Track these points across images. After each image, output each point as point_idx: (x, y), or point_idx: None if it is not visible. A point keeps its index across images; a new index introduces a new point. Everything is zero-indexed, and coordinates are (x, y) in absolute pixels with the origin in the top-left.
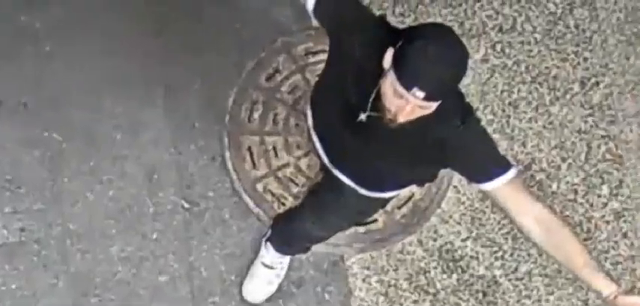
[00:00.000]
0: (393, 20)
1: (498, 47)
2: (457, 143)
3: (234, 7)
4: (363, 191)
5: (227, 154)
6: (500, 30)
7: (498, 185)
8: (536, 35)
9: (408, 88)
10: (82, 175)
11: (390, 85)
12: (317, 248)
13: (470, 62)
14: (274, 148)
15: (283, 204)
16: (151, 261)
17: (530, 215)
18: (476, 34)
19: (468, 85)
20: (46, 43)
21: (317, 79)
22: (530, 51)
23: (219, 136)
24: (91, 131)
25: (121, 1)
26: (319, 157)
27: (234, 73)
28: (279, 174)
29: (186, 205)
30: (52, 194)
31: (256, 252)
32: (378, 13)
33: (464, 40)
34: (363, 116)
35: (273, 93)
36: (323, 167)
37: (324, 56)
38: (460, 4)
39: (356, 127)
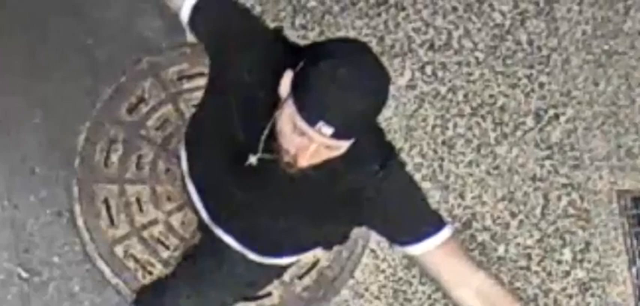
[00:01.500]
0: (292, 35)
1: (429, 69)
2: (375, 194)
3: (87, 17)
4: (253, 256)
5: (77, 209)
6: (432, 47)
7: (428, 249)
8: (478, 54)
9: (312, 122)
10: None
11: (288, 118)
12: None
13: (392, 89)
14: (138, 201)
15: (150, 273)
16: None
17: (470, 288)
18: (400, 53)
19: (389, 118)
20: None
21: (194, 111)
22: (470, 74)
23: (66, 185)
24: None
25: None
26: (196, 212)
27: (87, 102)
28: (145, 234)
29: (24, 275)
30: None
31: None
32: (273, 25)
33: (384, 60)
34: (253, 159)
35: (136, 129)
36: (201, 226)
37: (202, 82)
38: (379, 14)
39: (244, 174)
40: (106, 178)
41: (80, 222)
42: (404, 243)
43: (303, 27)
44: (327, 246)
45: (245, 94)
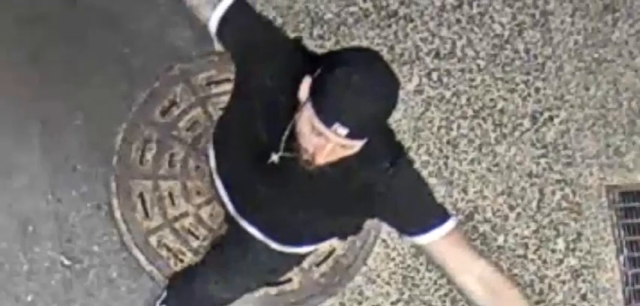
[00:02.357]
0: (310, 44)
1: (435, 76)
2: (386, 189)
3: (123, 29)
4: (274, 246)
5: (115, 202)
6: (437, 55)
7: (434, 239)
8: (480, 62)
9: (328, 124)
10: None
11: (307, 120)
12: None
13: (401, 93)
14: (170, 195)
15: (181, 261)
16: None
17: (472, 274)
18: (408, 61)
19: (399, 120)
20: None
21: (221, 113)
22: (473, 80)
23: (105, 181)
24: None
25: None
26: (223, 205)
27: (124, 106)
28: (177, 225)
29: (67, 262)
30: None
31: None
32: (293, 35)
33: (394, 67)
34: (275, 157)
35: (168, 130)
36: (228, 218)
37: (229, 87)
38: (389, 26)
39: (267, 171)
40: (141, 175)
41: (118, 214)
42: (412, 233)
43: (321, 37)
44: (342, 236)
45: (268, 99)
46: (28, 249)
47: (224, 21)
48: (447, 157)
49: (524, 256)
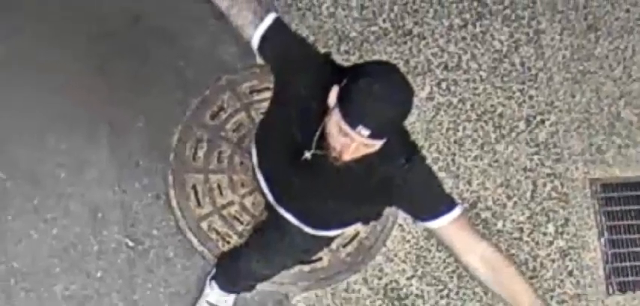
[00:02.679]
0: (338, 58)
1: (444, 85)
2: (402, 182)
3: (179, 45)
4: (308, 230)
5: (171, 193)
6: (446, 68)
7: (443, 224)
8: (482, 73)
9: (353, 126)
10: (25, 214)
11: (335, 123)
12: (262, 287)
13: (415, 100)
14: (219, 187)
15: (228, 242)
16: (95, 299)
17: (476, 254)
18: (421, 72)
19: (413, 123)
20: None
21: (262, 117)
22: (476, 89)
23: (163, 175)
24: (35, 170)
25: (63, 38)
26: (264, 195)
27: (179, 111)
28: (224, 212)
29: (131, 244)
30: None
31: (201, 290)
32: (323, 51)
33: (409, 77)
34: (307, 154)
35: (217, 131)
36: (268, 206)
37: (269, 94)
38: (405, 42)
39: (301, 166)
40: (194, 169)
41: (174, 203)
42: (424, 219)
43: (346, 52)
44: (365, 222)
45: (302, 105)
46: (98, 232)
47: (264, 39)
48: (454, 154)
49: (520, 239)
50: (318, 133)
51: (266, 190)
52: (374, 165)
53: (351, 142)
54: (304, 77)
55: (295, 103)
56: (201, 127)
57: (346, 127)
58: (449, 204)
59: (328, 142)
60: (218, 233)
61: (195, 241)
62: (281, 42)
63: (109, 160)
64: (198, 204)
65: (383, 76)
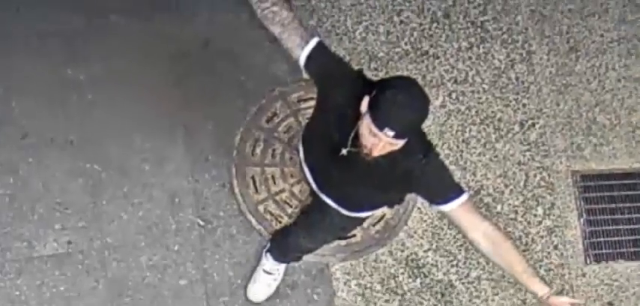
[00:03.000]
0: (368, 73)
1: (453, 95)
2: (420, 173)
3: (240, 63)
4: (344, 212)
5: (234, 182)
6: (455, 81)
7: (454, 207)
8: (484, 86)
9: (381, 128)
10: (117, 199)
11: (366, 126)
12: (307, 258)
13: (431, 107)
14: (273, 177)
15: (280, 222)
16: (172, 268)
17: (479, 231)
18: (435, 85)
19: (428, 126)
20: (88, 92)
21: (307, 121)
22: (479, 98)
23: (228, 168)
24: (125, 163)
25: (149, 59)
26: (309, 184)
27: (240, 116)
28: (277, 198)
29: (202, 223)
30: (93, 214)
31: (258, 261)
32: (356, 67)
33: (426, 89)
34: (344, 151)
35: (271, 132)
36: (312, 192)
37: (313, 103)
38: (422, 61)
39: (339, 160)
40: (253, 163)
41: (236, 190)
42: (438, 203)
43: (375, 69)
44: (391, 205)
45: (339, 111)
46: (175, 214)
47: (309, 58)
48: (462, 151)
49: (515, 219)
50: (352, 134)
51: (310, 180)
52: (398, 160)
53: (379, 141)
54: (341, 89)
55: (334, 110)
56: (259, 129)
57: (375, 129)
58: (458, 191)
59: (361, 141)
60: (272, 215)
61: (253, 221)
62: (323, 61)
63: (184, 156)
64: (256, 191)
65: (405, 88)
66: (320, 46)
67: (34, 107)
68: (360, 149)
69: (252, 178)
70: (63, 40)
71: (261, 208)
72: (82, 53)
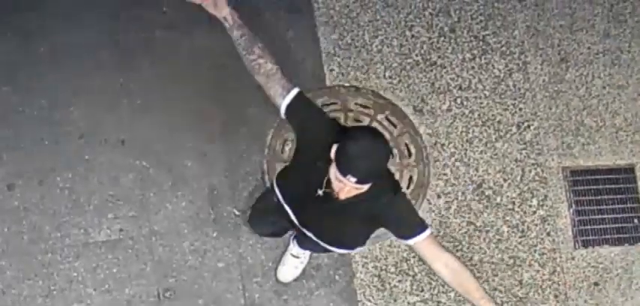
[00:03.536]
0: (383, 83)
1: (459, 101)
2: (388, 212)
3: None
4: (322, 244)
5: (266, 177)
6: (460, 88)
7: (418, 241)
8: (486, 92)
9: (344, 174)
10: (163, 192)
11: (333, 171)
12: None
13: (438, 111)
14: None
15: None
16: (211, 252)
17: (441, 262)
18: (442, 91)
19: (436, 127)
20: (138, 98)
21: (287, 164)
22: (481, 103)
23: (260, 164)
24: (169, 160)
25: (190, 68)
26: (291, 220)
27: (271, 119)
28: None
29: (237, 213)
30: (141, 205)
31: (287, 246)
32: (332, 116)
33: (434, 96)
34: (320, 192)
35: None
36: (294, 226)
37: (335, 107)
38: (431, 70)
39: (316, 200)
40: (282, 160)
41: (268, 184)
42: (405, 238)
43: (390, 78)
44: (363, 242)
45: (315, 156)
46: (214, 205)
47: (289, 108)
48: (466, 150)
49: (513, 209)
50: (326, 177)
51: (292, 216)
52: (367, 200)
53: (344, 185)
54: (317, 136)
55: (311, 154)
56: (288, 131)
57: (339, 175)
58: (422, 227)
59: (332, 184)
60: None
61: None
62: (301, 110)
63: (222, 154)
64: None
65: (364, 139)
66: (299, 97)
67: (90, 111)
68: (332, 191)
69: None
70: (115, 53)
71: None
72: (131, 64)
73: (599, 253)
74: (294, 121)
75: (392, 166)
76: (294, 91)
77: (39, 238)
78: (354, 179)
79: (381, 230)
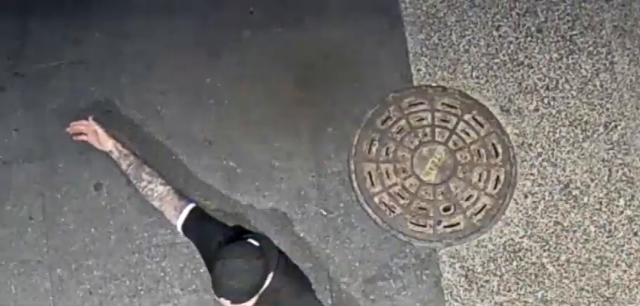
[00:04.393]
0: (470, 82)
1: (546, 100)
2: None
3: (357, 73)
4: None
5: (353, 176)
6: (547, 88)
7: None
8: (573, 92)
9: (218, 296)
10: (250, 192)
11: None
12: (416, 243)
13: (524, 111)
14: (387, 172)
15: (393, 212)
16: (299, 252)
17: None
18: (530, 91)
19: (524, 127)
20: (225, 98)
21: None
22: (568, 103)
23: (347, 164)
24: (256, 160)
25: (278, 69)
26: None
27: (358, 119)
28: (390, 191)
29: (324, 213)
30: (229, 204)
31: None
32: (233, 225)
33: (521, 96)
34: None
35: (385, 133)
36: None
37: (423, 107)
38: (518, 70)
39: None
40: (369, 160)
41: (355, 184)
42: None
43: (477, 77)
44: None
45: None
46: (301, 205)
47: (184, 226)
48: (553, 150)
49: (600, 209)
50: None
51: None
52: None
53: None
54: (210, 255)
55: (210, 267)
56: (374, 130)
57: (216, 297)
58: None
59: None
60: (386, 205)
61: (369, 211)
62: (196, 228)
63: (309, 154)
64: (372, 184)
65: (229, 258)
66: (194, 212)
67: (177, 111)
68: None
69: (369, 173)
70: (202, 53)
71: (376, 199)
72: (218, 64)
73: None
74: (191, 236)
75: (479, 167)
76: (188, 208)
77: (126, 238)
78: (227, 301)
79: (467, 229)
